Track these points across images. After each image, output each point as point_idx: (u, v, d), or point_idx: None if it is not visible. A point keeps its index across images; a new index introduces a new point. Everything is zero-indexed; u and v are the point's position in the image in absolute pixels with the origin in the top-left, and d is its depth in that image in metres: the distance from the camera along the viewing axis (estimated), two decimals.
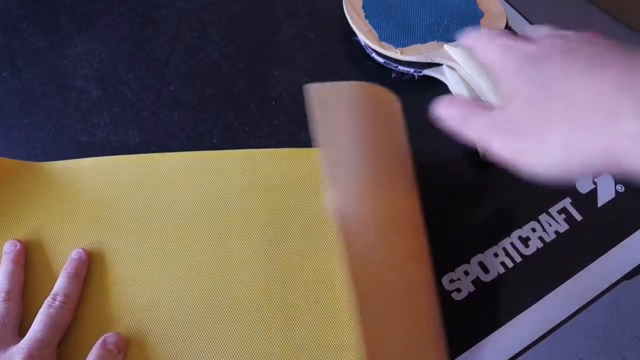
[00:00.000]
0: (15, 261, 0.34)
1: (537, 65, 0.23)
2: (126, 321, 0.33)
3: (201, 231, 0.36)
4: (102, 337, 0.32)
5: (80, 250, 0.35)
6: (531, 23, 0.49)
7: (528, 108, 0.23)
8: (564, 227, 0.38)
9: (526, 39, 0.26)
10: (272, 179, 0.38)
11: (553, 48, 0.24)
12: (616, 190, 0.40)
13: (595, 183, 0.40)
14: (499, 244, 0.38)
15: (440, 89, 0.44)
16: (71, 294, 0.33)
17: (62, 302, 0.32)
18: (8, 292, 0.33)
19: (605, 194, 0.40)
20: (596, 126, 0.21)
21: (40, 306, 0.32)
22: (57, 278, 0.34)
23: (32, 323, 0.32)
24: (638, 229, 0.38)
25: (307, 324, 0.33)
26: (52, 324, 0.31)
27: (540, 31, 0.27)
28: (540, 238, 0.38)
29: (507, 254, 0.38)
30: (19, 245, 0.35)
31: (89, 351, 0.31)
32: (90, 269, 0.35)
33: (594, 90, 0.21)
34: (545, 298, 0.36)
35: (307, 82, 0.45)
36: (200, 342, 0.33)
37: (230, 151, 0.40)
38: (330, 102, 0.32)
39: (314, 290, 0.34)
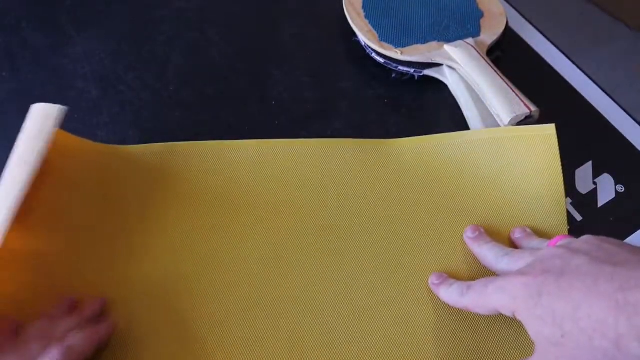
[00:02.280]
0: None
1: (540, 300, 0.26)
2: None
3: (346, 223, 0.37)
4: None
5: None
6: (531, 23, 0.49)
7: (553, 350, 0.26)
8: None
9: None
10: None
11: (545, 275, 0.27)
12: (616, 191, 0.40)
13: (595, 183, 0.40)
14: None
15: (441, 89, 0.45)
16: None
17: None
18: None
19: (606, 195, 0.40)
20: (612, 354, 0.23)
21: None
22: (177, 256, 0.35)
23: None
24: (638, 229, 0.38)
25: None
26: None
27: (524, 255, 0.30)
28: None
29: None
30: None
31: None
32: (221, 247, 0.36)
33: (598, 317, 0.24)
34: None
35: (307, 82, 0.45)
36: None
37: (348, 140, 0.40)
38: None
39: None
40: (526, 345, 0.32)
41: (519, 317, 0.27)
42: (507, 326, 0.33)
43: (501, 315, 0.29)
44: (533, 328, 0.26)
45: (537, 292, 0.26)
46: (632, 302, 0.23)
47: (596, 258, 0.26)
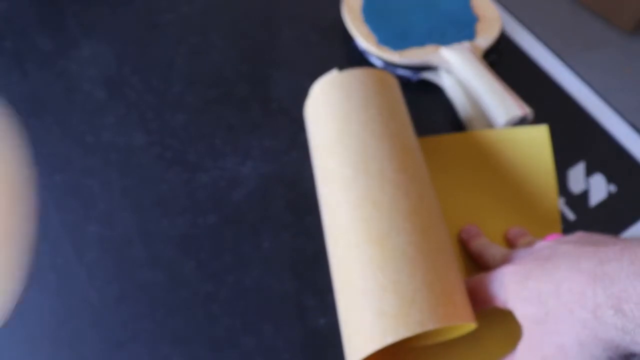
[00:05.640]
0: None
1: (527, 283, 0.27)
2: None
3: None
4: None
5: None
6: (525, 27, 0.50)
7: (538, 329, 0.26)
8: None
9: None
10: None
11: (533, 262, 0.28)
12: (608, 191, 0.41)
13: (587, 184, 0.41)
14: None
15: (437, 92, 0.46)
16: None
17: None
18: None
19: (598, 194, 0.41)
20: (590, 324, 0.24)
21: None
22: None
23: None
24: (629, 228, 0.39)
25: None
26: None
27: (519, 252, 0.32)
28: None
29: None
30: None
31: None
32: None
33: (578, 290, 0.24)
34: None
35: (307, 85, 0.46)
36: None
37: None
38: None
39: None
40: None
41: (509, 306, 0.28)
42: (499, 325, 0.34)
43: (495, 315, 0.30)
44: (520, 311, 0.27)
45: (525, 276, 0.27)
46: (610, 273, 0.23)
47: (582, 244, 0.27)
